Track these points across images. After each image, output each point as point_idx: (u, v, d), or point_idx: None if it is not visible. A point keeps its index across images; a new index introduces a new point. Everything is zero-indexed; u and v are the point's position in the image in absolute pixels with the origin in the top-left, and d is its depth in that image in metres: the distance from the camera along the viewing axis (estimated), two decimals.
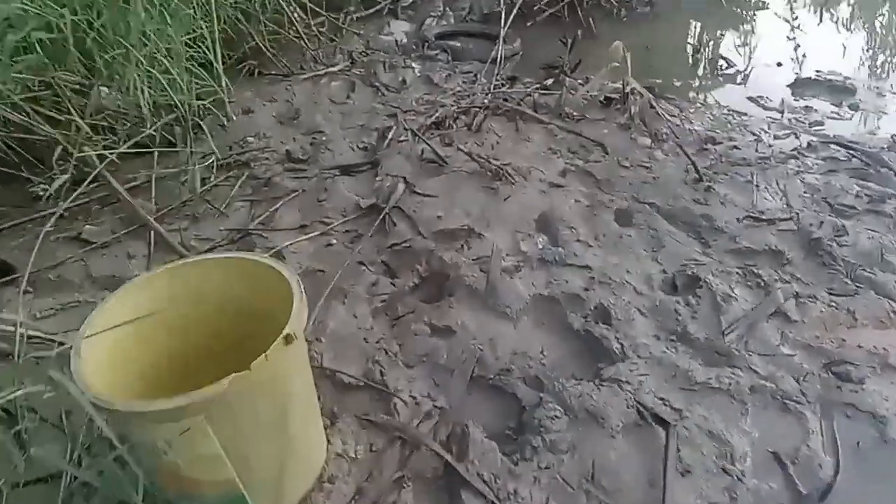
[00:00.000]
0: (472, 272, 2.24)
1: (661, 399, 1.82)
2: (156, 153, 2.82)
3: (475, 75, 3.87)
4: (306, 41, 4.05)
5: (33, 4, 2.67)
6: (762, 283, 2.20)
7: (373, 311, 2.14)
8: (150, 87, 2.83)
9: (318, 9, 4.31)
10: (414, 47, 4.31)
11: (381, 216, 2.52)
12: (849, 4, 5.33)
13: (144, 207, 2.57)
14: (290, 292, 1.43)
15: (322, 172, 2.84)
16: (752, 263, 2.30)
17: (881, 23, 4.96)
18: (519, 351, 1.97)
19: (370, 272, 2.29)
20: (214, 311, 1.57)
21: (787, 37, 4.39)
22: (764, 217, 2.50)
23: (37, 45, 2.66)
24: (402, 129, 3.14)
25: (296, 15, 4.11)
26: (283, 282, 1.45)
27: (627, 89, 3.32)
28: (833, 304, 2.13)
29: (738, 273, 2.26)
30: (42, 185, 2.65)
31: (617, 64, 3.23)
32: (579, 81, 3.59)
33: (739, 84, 3.88)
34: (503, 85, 3.70)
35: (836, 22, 4.92)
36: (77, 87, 2.90)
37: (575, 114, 3.32)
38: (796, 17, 4.67)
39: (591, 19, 4.57)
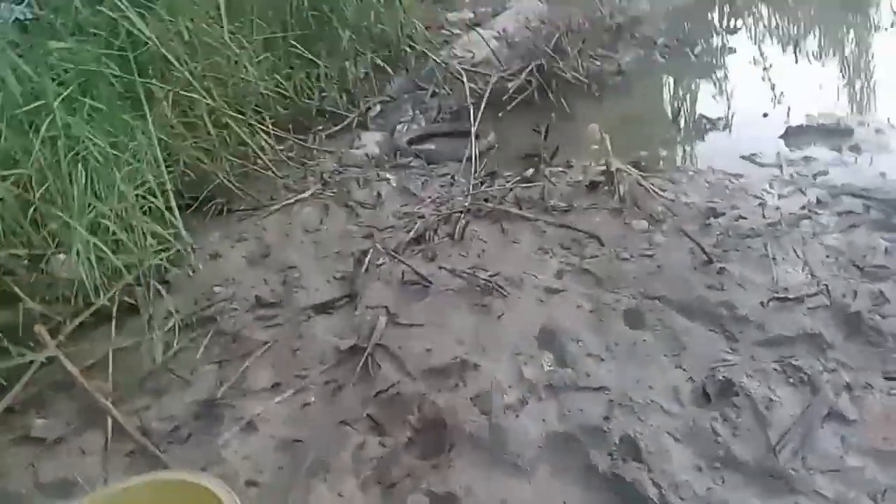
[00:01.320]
0: (471, 416, 1.95)
1: None
2: (113, 324, 2.56)
3: (452, 177, 3.67)
4: (274, 171, 3.87)
5: None
6: (806, 379, 1.90)
7: (362, 483, 1.83)
8: (101, 251, 2.62)
9: (283, 134, 4.18)
10: (386, 157, 4.14)
11: (364, 359, 2.24)
12: (815, 37, 5.21)
13: (101, 389, 2.30)
14: None
15: (296, 315, 2.58)
16: (790, 354, 2.00)
17: (853, 53, 4.81)
18: None
19: (355, 432, 1.99)
20: None
21: (765, 81, 4.23)
22: (790, 296, 2.22)
23: None
24: (380, 250, 2.89)
25: (263, 143, 3.96)
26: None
27: (612, 170, 3.10)
28: (893, 391, 1.82)
29: (775, 369, 1.96)
30: None
31: (596, 146, 3.02)
32: (560, 169, 3.38)
33: (728, 143, 3.67)
34: (482, 183, 3.49)
35: (810, 59, 4.77)
36: (26, 262, 2.71)
37: (561, 204, 3.09)
38: (768, 62, 4.53)
39: (563, 100, 4.42)
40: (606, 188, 3.10)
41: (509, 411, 1.95)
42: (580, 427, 1.87)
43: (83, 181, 2.72)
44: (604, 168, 3.18)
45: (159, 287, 2.70)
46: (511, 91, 4.56)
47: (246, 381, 2.28)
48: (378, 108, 4.93)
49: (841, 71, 4.46)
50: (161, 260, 2.83)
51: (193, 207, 3.33)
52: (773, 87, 4.14)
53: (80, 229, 2.55)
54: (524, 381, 2.06)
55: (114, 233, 2.71)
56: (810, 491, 1.60)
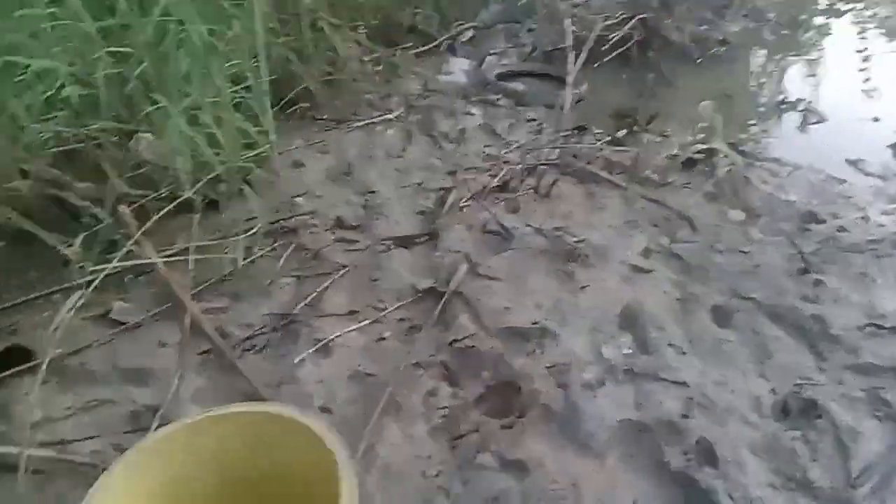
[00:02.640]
0: (547, 386, 1.94)
1: None
2: (196, 218, 2.56)
3: (540, 124, 3.57)
4: (361, 84, 3.79)
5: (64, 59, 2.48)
6: (894, 415, 1.85)
7: (431, 430, 1.85)
8: (192, 142, 2.60)
9: (372, 45, 4.07)
10: (474, 89, 4.02)
11: (441, 305, 2.23)
12: None
13: (181, 282, 2.32)
14: (334, 463, 1.14)
15: (375, 244, 2.56)
16: (880, 386, 1.94)
17: None
18: (607, 502, 1.65)
19: (428, 377, 2.00)
20: (240, 481, 1.28)
21: (878, 80, 3.99)
22: (887, 325, 2.14)
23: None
24: (464, 192, 2.84)
25: (352, 50, 3.87)
26: (325, 450, 1.17)
27: (713, 149, 2.98)
28: None
29: (862, 398, 1.91)
30: (72, 249, 2.41)
31: (705, 124, 2.90)
32: (656, 139, 3.26)
33: (833, 143, 3.49)
34: (571, 137, 3.39)
35: None
36: (115, 139, 2.70)
37: (654, 177, 2.98)
38: (885, 58, 4.27)
39: (662, 62, 4.23)
40: (705, 168, 2.99)
41: (586, 389, 1.93)
42: (656, 419, 1.85)
43: (182, 66, 2.68)
44: (704, 146, 3.06)
45: (243, 187, 2.68)
46: (612, 41, 4.38)
47: (322, 303, 2.29)
48: (470, 33, 4.78)
49: None
50: (246, 161, 2.80)
51: (276, 108, 3.25)
52: (886, 89, 3.91)
53: (176, 115, 2.52)
54: (603, 361, 2.04)
55: (205, 124, 2.67)
56: None
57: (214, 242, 2.52)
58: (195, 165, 2.64)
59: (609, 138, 3.33)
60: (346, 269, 2.44)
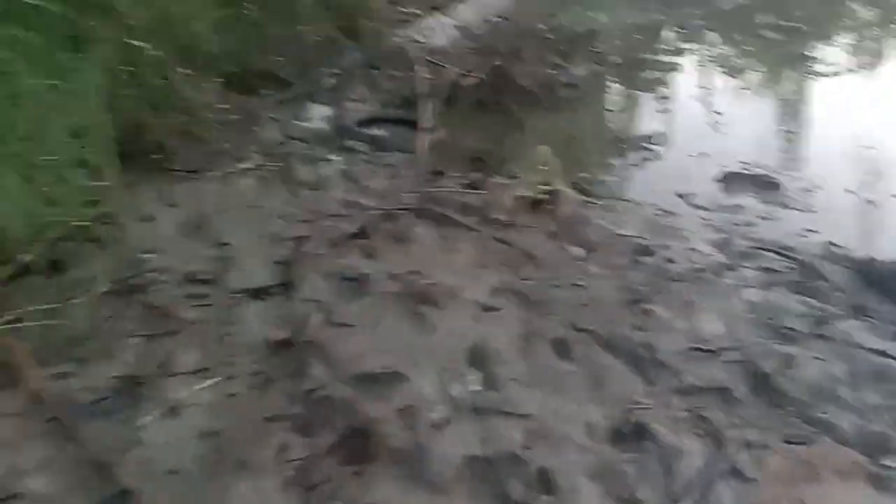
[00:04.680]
0: (396, 429, 1.99)
1: None
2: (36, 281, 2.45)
3: (398, 169, 3.67)
4: (216, 133, 3.76)
5: None
6: (712, 431, 2.03)
7: (282, 483, 1.85)
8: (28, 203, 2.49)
9: (229, 94, 4.06)
10: (334, 135, 4.08)
11: (294, 357, 2.25)
12: (760, 78, 5.41)
13: (22, 350, 2.21)
14: None
15: (227, 297, 2.54)
16: (701, 405, 2.13)
17: (795, 101, 5.01)
18: None
19: (280, 430, 2.00)
20: None
21: (708, 117, 4.40)
22: (707, 347, 2.36)
23: None
24: (320, 240, 2.88)
25: (206, 98, 3.84)
26: None
27: (555, 190, 3.18)
28: (789, 454, 1.98)
29: (685, 418, 2.08)
30: None
31: (544, 167, 3.10)
32: (505, 180, 3.44)
33: (666, 177, 3.81)
34: (428, 181, 3.51)
35: (753, 100, 4.95)
36: None
37: (503, 218, 3.14)
38: (714, 97, 4.71)
39: (513, 105, 4.46)
40: (548, 208, 3.18)
41: (434, 429, 2.00)
42: (500, 453, 1.94)
43: (16, 122, 2.58)
44: (547, 187, 3.26)
45: (88, 246, 2.60)
46: (466, 87, 4.58)
47: (171, 362, 2.25)
48: (330, 80, 4.84)
49: (780, 119, 4.65)
50: (93, 218, 2.72)
51: (127, 160, 3.17)
52: (714, 125, 4.31)
53: (7, 175, 2.42)
54: (451, 400, 2.12)
55: (43, 182, 2.58)
56: None
57: (57, 305, 2.41)
58: (35, 227, 2.53)
59: (464, 181, 3.48)
60: (196, 324, 2.40)
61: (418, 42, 5.05)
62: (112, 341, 2.33)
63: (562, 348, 2.35)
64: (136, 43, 3.37)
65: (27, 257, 2.47)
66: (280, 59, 4.65)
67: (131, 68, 3.44)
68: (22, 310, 2.36)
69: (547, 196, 3.24)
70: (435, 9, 5.68)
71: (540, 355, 2.31)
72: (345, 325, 2.41)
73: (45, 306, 2.38)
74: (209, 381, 2.17)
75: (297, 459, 1.92)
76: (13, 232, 2.43)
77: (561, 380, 2.22)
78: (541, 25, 5.48)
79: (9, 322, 2.29)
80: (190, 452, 1.93)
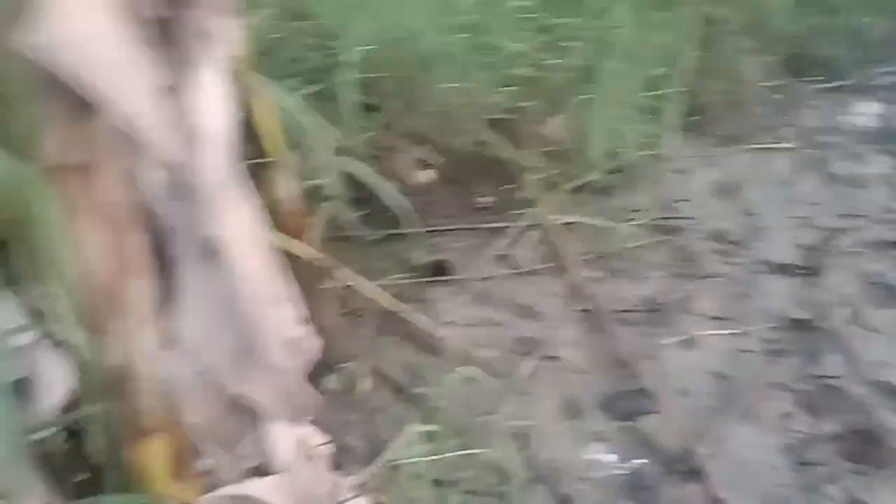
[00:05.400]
0: None
1: None
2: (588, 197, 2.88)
3: None
4: (758, 107, 3.80)
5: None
6: None
7: (783, 446, 1.92)
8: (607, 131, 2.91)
9: (776, 73, 4.04)
10: (881, 137, 3.78)
11: (812, 339, 2.25)
12: None
13: (568, 247, 2.65)
14: None
15: (752, 263, 2.64)
16: None
17: None
18: None
19: (786, 400, 2.06)
20: None
21: None
22: None
23: None
24: (854, 239, 2.76)
25: (755, 74, 3.89)
26: None
27: None
28: None
29: None
30: (486, 198, 2.89)
31: None
32: None
33: None
34: None
35: None
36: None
37: None
38: None
39: None
40: None
41: None
42: None
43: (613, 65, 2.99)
44: None
45: (633, 180, 2.94)
46: None
47: (691, 302, 2.45)
48: (888, 78, 4.45)
49: None
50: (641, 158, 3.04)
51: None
52: None
53: (601, 106, 2.83)
54: None
55: (614, 117, 2.96)
56: None
57: (601, 223, 2.80)
58: (603, 152, 2.95)
59: None
60: (719, 277, 2.55)
61: None
62: (640, 267, 2.62)
63: None
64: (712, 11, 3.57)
65: (591, 176, 2.89)
66: (839, 47, 4.42)
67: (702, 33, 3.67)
68: (575, 218, 2.81)
69: None
70: None
71: None
72: (872, 329, 2.31)
73: (592, 220, 2.79)
74: (725, 331, 2.31)
75: (799, 432, 1.96)
76: (591, 152, 2.86)
77: None
78: None
79: (567, 223, 2.75)
80: (701, 382, 2.11)
